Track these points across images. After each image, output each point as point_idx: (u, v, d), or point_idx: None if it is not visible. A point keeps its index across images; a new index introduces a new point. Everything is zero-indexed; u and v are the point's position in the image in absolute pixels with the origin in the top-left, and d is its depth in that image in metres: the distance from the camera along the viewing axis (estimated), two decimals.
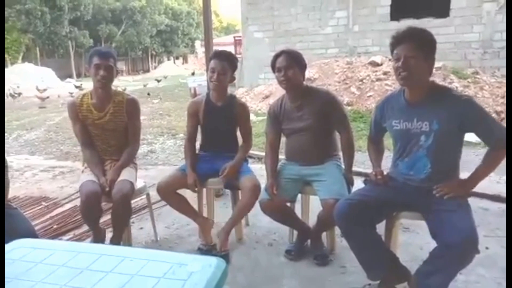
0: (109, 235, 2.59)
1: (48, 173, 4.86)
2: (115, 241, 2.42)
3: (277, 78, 2.46)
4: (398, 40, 1.84)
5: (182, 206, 2.64)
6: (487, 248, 2.46)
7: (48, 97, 14.27)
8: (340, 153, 2.55)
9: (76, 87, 17.17)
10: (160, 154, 5.77)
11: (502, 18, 9.40)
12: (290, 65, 2.38)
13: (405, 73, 1.81)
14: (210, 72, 2.58)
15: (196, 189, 2.59)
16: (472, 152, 4.92)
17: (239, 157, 2.63)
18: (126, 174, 2.46)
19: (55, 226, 3.12)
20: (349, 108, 7.74)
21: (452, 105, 1.80)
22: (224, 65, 2.56)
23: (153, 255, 1.21)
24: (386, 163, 2.21)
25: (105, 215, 3.23)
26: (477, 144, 5.18)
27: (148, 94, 14.59)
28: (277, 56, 2.44)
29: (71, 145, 6.33)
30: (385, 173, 2.08)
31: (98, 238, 2.43)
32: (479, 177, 1.88)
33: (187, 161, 2.67)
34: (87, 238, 2.82)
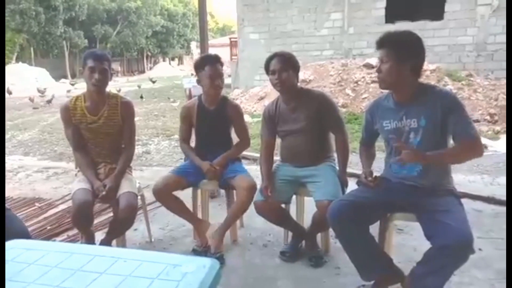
0: (100, 235, 2.58)
1: (42, 174, 4.83)
2: (106, 243, 2.41)
3: (271, 81, 2.46)
4: (377, 46, 1.92)
5: (178, 208, 2.63)
6: (480, 249, 2.47)
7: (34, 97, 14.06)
8: (335, 155, 2.56)
9: (39, 91, 15.72)
10: (155, 155, 5.76)
11: (495, 21, 9.48)
12: (284, 67, 2.39)
13: (379, 77, 1.91)
14: (209, 79, 2.55)
15: (216, 170, 2.57)
16: None
17: (228, 153, 2.65)
18: (128, 185, 2.42)
19: (48, 227, 3.11)
20: (344, 110, 7.77)
21: (435, 98, 1.85)
22: (220, 69, 2.60)
23: (147, 256, 1.20)
24: (380, 165, 2.22)
25: (99, 216, 3.24)
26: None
27: (141, 97, 13.71)
28: (270, 59, 2.45)
29: (65, 146, 6.29)
30: (378, 175, 2.09)
31: (89, 241, 2.41)
32: (441, 156, 1.87)
33: (190, 156, 2.69)
34: (81, 239, 2.80)
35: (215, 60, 2.60)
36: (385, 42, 1.89)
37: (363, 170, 2.14)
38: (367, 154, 2.26)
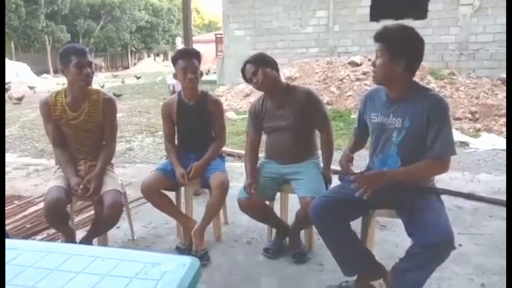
0: (81, 233, 2.53)
1: (22, 171, 4.72)
2: (86, 241, 2.37)
3: (253, 87, 2.47)
4: (374, 39, 1.88)
5: (167, 205, 2.60)
6: (460, 245, 2.51)
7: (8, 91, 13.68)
8: (319, 152, 2.56)
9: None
10: (139, 152, 5.68)
11: (477, 21, 9.65)
12: (256, 69, 2.39)
13: (373, 71, 1.89)
14: (182, 72, 2.52)
15: (185, 181, 2.53)
16: (464, 150, 5.02)
17: (207, 156, 2.60)
18: (112, 183, 2.38)
19: (28, 226, 3.04)
20: (329, 107, 7.80)
21: (423, 102, 1.81)
22: (195, 62, 2.55)
23: (125, 254, 1.17)
24: (366, 161, 2.22)
25: (80, 214, 3.19)
26: (463, 143, 5.30)
27: (119, 95, 12.32)
28: (243, 70, 2.47)
29: (46, 142, 6.15)
30: (363, 169, 2.08)
31: (68, 239, 2.37)
32: (399, 175, 1.84)
33: (172, 158, 2.64)
34: (61, 238, 2.75)
35: (190, 54, 2.58)
36: (382, 37, 1.84)
37: (344, 153, 2.12)
38: (355, 142, 2.24)
